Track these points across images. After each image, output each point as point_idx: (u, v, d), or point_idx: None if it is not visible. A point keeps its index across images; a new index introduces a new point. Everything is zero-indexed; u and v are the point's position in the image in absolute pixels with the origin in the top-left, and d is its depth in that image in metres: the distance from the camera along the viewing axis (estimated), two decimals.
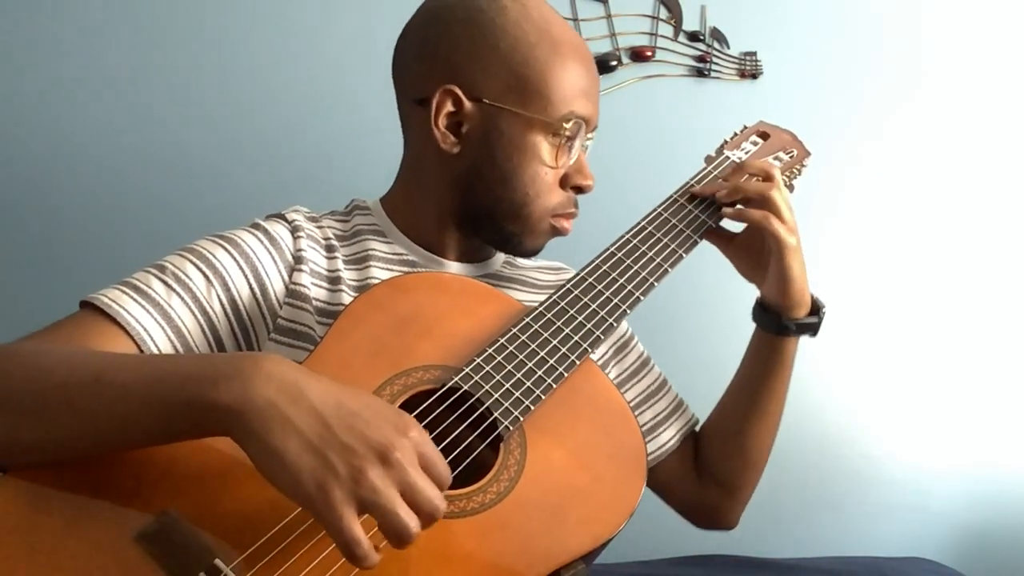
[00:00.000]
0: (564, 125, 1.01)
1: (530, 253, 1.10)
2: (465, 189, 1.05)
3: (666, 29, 1.72)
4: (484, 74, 1.01)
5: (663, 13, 1.72)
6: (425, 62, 1.04)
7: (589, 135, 1.06)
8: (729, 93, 1.74)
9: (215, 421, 0.67)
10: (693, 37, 1.73)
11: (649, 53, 1.71)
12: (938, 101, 1.80)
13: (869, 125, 1.78)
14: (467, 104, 1.01)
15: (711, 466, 1.18)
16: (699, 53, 1.73)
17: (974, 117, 1.81)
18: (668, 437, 1.17)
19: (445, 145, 1.03)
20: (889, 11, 1.78)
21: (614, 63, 1.69)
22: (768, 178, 1.03)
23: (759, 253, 1.07)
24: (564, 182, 1.05)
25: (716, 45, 1.73)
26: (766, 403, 1.12)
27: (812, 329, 1.08)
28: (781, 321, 1.06)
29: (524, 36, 1.01)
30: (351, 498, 0.64)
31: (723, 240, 1.12)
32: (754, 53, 1.74)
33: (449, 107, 1.02)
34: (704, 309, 1.71)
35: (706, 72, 1.73)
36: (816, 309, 1.08)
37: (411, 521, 0.65)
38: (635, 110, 1.71)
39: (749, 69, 1.73)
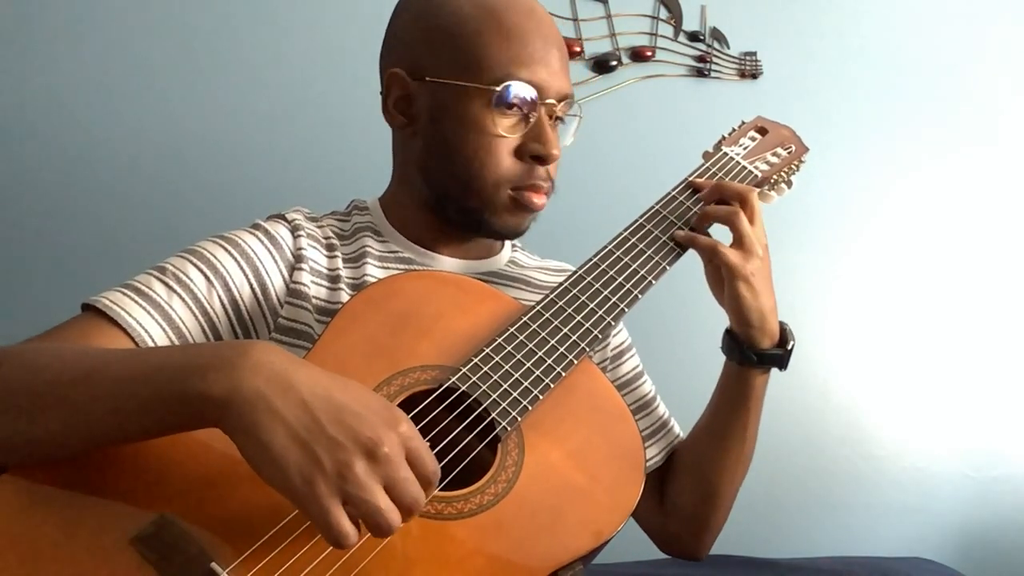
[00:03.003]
0: (495, 89, 0.99)
1: (503, 233, 1.07)
2: (425, 171, 1.06)
3: (666, 29, 1.72)
4: (425, 52, 1.03)
5: (663, 13, 1.72)
6: (386, 56, 1.08)
7: (550, 101, 1.02)
8: (729, 93, 1.74)
9: (205, 412, 0.67)
10: (693, 37, 1.73)
11: (649, 53, 1.71)
12: (938, 100, 1.80)
13: (869, 124, 1.78)
14: (412, 84, 1.03)
15: (673, 498, 1.14)
16: (699, 53, 1.73)
17: (974, 115, 1.81)
18: (651, 455, 1.15)
19: (396, 126, 1.07)
20: (889, 11, 1.78)
21: (614, 63, 1.69)
22: (743, 203, 1.01)
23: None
24: (521, 152, 1.02)
25: (716, 45, 1.73)
26: (731, 437, 1.09)
27: (777, 363, 1.05)
28: (743, 350, 1.04)
29: (460, 9, 1.01)
30: (336, 491, 0.64)
31: (708, 252, 1.05)
32: (754, 53, 1.73)
33: (398, 90, 1.05)
34: (705, 310, 1.70)
35: (706, 72, 1.73)
36: (784, 342, 1.05)
37: (392, 516, 0.65)
38: (635, 110, 1.71)
39: (749, 69, 1.73)
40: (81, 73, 1.54)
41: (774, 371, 1.08)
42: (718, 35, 1.73)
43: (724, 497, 1.12)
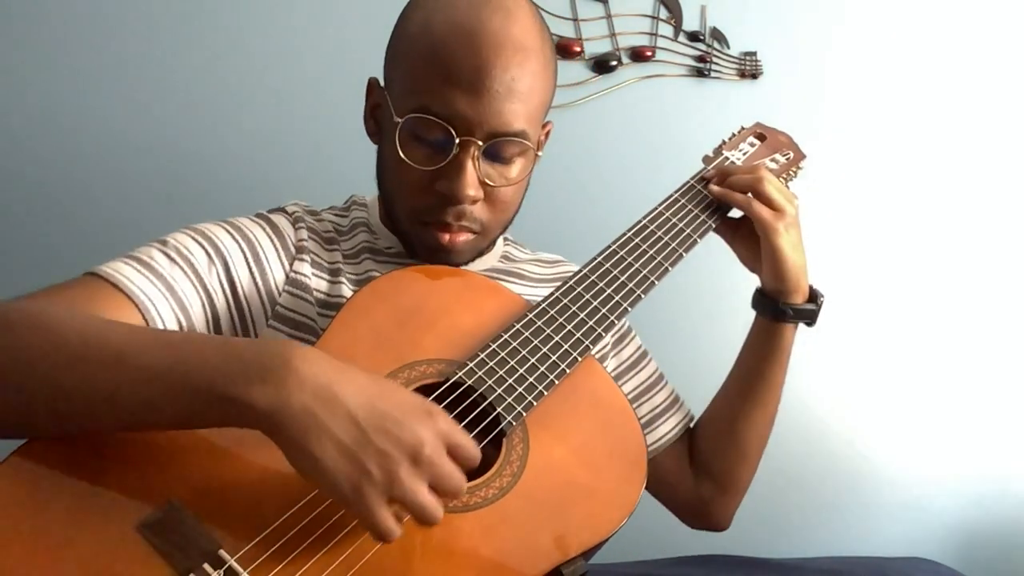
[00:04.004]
0: (397, 119, 0.95)
1: (438, 262, 1.03)
2: (377, 182, 1.08)
3: (666, 29, 1.72)
4: (387, 66, 1.03)
5: (663, 13, 1.72)
6: None
7: (469, 140, 0.94)
8: (729, 93, 1.74)
9: (247, 419, 0.68)
10: (693, 37, 1.73)
11: (649, 53, 1.71)
12: (938, 101, 1.80)
13: (869, 125, 1.79)
14: (379, 94, 1.03)
15: (705, 458, 1.17)
16: (699, 53, 1.73)
17: (975, 117, 1.81)
18: (668, 428, 1.17)
19: (368, 132, 1.07)
20: (889, 11, 1.78)
21: (614, 63, 1.69)
22: (757, 179, 1.04)
23: (756, 240, 1.06)
24: (435, 186, 0.97)
25: (716, 45, 1.73)
26: (762, 392, 1.12)
27: (809, 317, 1.08)
28: (778, 305, 1.07)
29: (412, 27, 0.98)
30: (384, 495, 0.67)
31: (729, 231, 1.11)
32: (754, 53, 1.74)
33: (373, 98, 1.05)
34: (706, 307, 1.71)
35: (706, 72, 1.73)
36: (814, 298, 1.08)
37: (436, 511, 0.69)
38: (635, 110, 1.71)
39: (749, 69, 1.73)
40: (76, 69, 1.54)
41: None
42: (718, 35, 1.73)
43: (754, 454, 1.15)
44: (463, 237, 1.00)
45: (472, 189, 0.95)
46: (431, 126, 0.94)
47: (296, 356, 0.69)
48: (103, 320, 0.78)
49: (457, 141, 0.93)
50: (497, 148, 0.96)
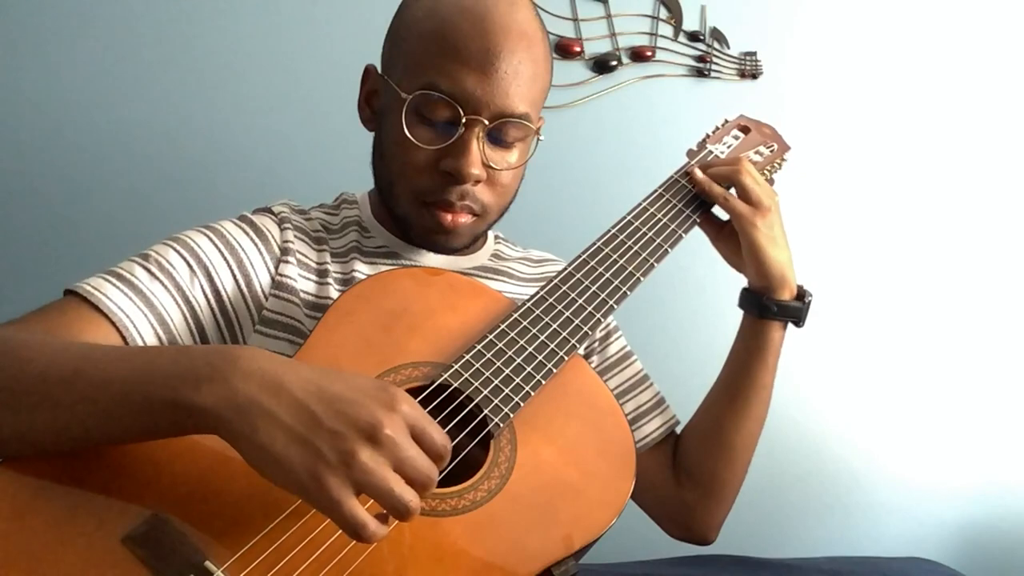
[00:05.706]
0: (407, 97, 0.96)
1: (429, 246, 1.06)
2: (373, 169, 1.08)
3: (666, 29, 1.72)
4: (385, 50, 1.04)
5: (663, 13, 1.72)
6: None
7: (476, 118, 0.95)
8: (729, 93, 1.73)
9: (199, 423, 0.67)
10: (693, 37, 1.73)
11: (649, 53, 1.71)
12: (938, 101, 1.80)
13: (869, 125, 1.78)
14: (378, 80, 1.04)
15: (690, 461, 1.14)
16: (699, 53, 1.73)
17: (974, 117, 1.81)
18: (652, 429, 1.16)
19: (363, 119, 1.08)
20: (889, 10, 1.78)
21: (614, 63, 1.69)
22: (737, 171, 1.05)
23: (738, 238, 1.06)
24: (439, 166, 0.98)
25: (716, 45, 1.73)
26: (748, 394, 1.09)
27: (796, 315, 1.07)
28: (762, 301, 1.06)
29: (417, 10, 1.00)
30: (346, 482, 0.63)
31: (712, 229, 1.12)
32: (754, 53, 1.73)
33: (370, 85, 1.06)
34: (698, 309, 1.71)
35: (706, 72, 1.73)
36: (801, 297, 1.07)
37: (407, 495, 0.64)
38: (635, 110, 1.71)
39: (749, 69, 1.73)
40: (72, 69, 1.55)
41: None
42: (718, 35, 1.73)
43: (740, 457, 1.12)
44: (464, 218, 1.01)
45: (476, 168, 0.97)
46: (438, 105, 0.95)
47: (243, 354, 0.68)
48: (67, 341, 0.78)
49: (464, 120, 0.95)
50: (501, 131, 0.98)
